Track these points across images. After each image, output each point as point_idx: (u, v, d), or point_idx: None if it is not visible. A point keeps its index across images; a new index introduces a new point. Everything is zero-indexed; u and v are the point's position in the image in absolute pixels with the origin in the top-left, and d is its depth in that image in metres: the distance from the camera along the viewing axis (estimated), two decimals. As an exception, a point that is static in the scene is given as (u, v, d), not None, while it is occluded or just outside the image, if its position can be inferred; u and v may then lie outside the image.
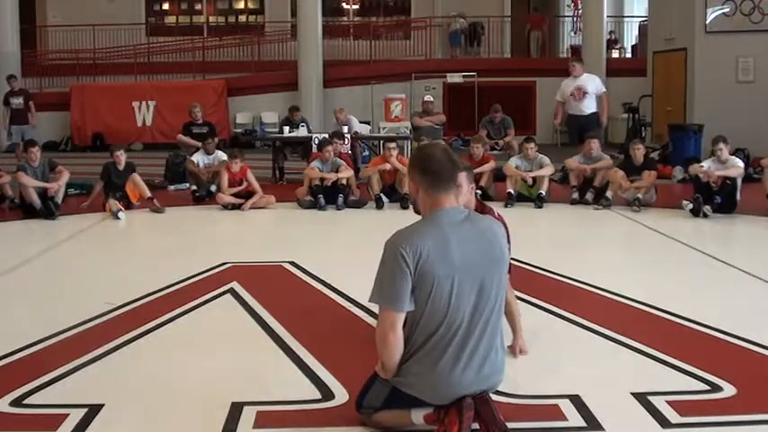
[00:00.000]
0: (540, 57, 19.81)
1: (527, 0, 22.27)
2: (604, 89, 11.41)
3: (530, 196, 9.70)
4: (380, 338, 2.97)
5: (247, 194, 9.69)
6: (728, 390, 3.60)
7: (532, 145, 9.99)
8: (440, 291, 2.91)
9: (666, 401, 3.44)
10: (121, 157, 9.63)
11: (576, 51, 19.09)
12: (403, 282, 2.88)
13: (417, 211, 3.16)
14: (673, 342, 4.29)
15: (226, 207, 9.56)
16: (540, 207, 9.47)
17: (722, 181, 8.65)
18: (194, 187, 10.58)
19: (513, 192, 9.68)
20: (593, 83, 11.22)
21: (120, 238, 8.49)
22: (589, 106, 11.09)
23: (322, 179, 9.63)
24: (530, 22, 20.49)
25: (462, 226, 2.98)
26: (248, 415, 3.35)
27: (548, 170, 9.87)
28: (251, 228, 8.86)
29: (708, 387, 3.65)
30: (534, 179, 9.77)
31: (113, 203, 9.11)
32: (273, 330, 4.59)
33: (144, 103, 17.12)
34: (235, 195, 9.65)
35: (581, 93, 11.03)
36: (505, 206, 9.38)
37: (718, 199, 8.58)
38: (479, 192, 9.44)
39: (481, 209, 4.17)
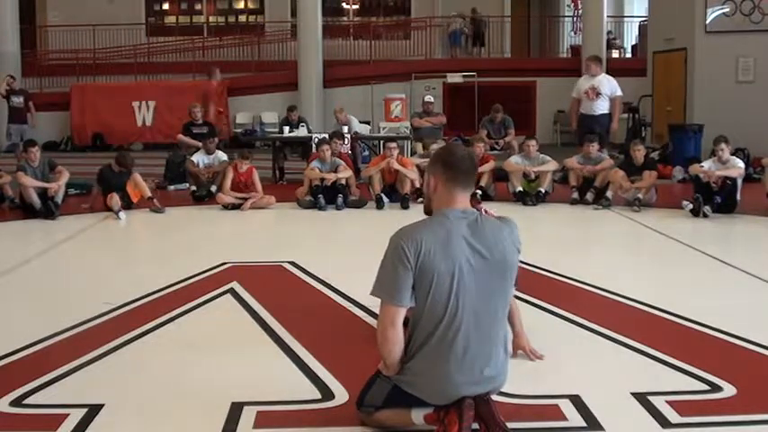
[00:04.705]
0: (540, 57, 19.81)
1: (527, 0, 22.27)
2: (620, 93, 11.04)
3: (529, 192, 9.70)
4: (380, 333, 2.98)
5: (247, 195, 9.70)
6: (728, 390, 3.60)
7: (533, 142, 10.00)
8: (439, 287, 2.91)
9: (666, 401, 3.43)
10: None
11: (576, 51, 19.08)
12: (403, 276, 2.89)
13: (428, 212, 3.17)
14: (673, 342, 4.29)
15: (226, 207, 9.56)
16: (534, 205, 9.49)
17: (722, 181, 8.65)
18: (194, 187, 10.58)
19: (521, 189, 9.70)
20: (609, 84, 10.94)
21: (120, 238, 8.49)
22: (600, 107, 10.88)
23: (322, 179, 9.63)
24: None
25: (469, 227, 2.97)
26: (248, 415, 3.35)
27: (551, 165, 9.89)
28: (251, 228, 8.86)
29: (708, 387, 3.64)
30: (536, 176, 9.78)
31: (115, 202, 9.08)
32: (273, 330, 4.58)
33: (144, 103, 17.11)
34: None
35: (594, 92, 10.86)
36: (525, 204, 9.55)
37: (718, 199, 8.57)
38: (479, 192, 9.46)
39: None
